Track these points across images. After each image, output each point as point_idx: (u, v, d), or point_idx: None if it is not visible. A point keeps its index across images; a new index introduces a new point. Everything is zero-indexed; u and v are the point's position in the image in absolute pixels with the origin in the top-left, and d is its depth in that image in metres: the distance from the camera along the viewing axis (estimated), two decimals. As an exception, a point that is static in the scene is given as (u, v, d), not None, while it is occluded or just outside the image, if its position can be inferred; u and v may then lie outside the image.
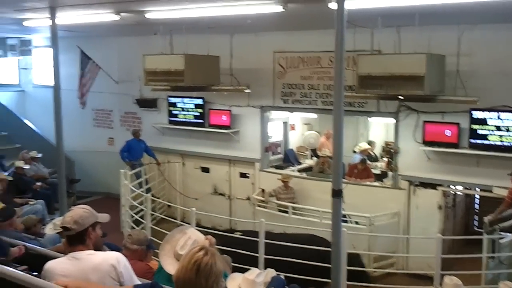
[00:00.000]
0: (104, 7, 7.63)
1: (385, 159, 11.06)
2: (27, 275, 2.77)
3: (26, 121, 14.21)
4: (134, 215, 9.93)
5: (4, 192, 8.73)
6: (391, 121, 9.61)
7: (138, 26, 9.34)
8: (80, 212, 3.08)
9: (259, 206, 10.01)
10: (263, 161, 10.95)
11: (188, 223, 8.30)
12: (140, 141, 11.81)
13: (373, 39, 7.99)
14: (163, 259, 3.14)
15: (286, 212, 9.41)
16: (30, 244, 4.97)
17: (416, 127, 8.86)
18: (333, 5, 4.88)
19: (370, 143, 11.51)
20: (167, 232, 3.37)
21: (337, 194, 4.76)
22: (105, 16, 8.17)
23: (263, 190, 10.16)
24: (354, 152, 10.93)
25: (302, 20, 8.40)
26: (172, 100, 11.95)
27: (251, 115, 10.96)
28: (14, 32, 12.31)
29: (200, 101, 11.55)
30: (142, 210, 9.85)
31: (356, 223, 8.99)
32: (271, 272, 3.81)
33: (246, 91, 10.43)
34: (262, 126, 10.97)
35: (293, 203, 9.54)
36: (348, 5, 4.66)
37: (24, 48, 13.92)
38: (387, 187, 9.55)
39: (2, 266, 2.90)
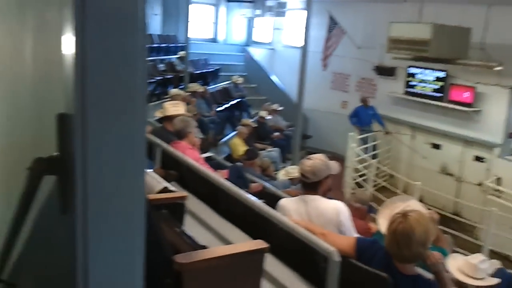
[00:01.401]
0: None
1: None
2: (268, 207, 3.21)
3: (273, 77, 15.72)
4: (357, 177, 10.23)
5: (248, 136, 9.91)
6: None
7: (389, -8, 9.25)
8: (318, 165, 3.28)
9: (491, 194, 9.18)
10: (505, 147, 9.87)
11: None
12: (368, 108, 11.86)
13: None
14: (381, 222, 3.23)
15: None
16: (266, 184, 5.66)
17: None
18: None
19: None
20: (386, 200, 3.44)
21: None
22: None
23: (498, 179, 9.23)
24: None
25: None
26: (412, 70, 11.60)
27: (498, 95, 9.92)
28: (273, -7, 13.50)
29: (442, 74, 10.94)
30: (364, 174, 10.06)
31: None
32: (496, 263, 3.58)
33: (497, 68, 9.43)
34: (509, 109, 9.84)
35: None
36: None
37: (279, 9, 15.16)
38: None
39: (250, 196, 3.42)
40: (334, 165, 3.45)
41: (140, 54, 1.05)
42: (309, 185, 3.31)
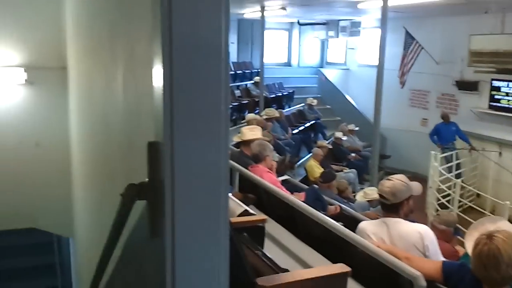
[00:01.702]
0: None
1: None
2: (348, 230, 3.15)
3: (348, 97, 15.55)
4: (440, 198, 9.76)
5: (323, 158, 9.81)
6: None
7: (466, 5, 8.90)
8: (399, 186, 3.16)
9: None
10: None
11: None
12: (449, 124, 11.29)
13: None
14: (468, 244, 3.06)
15: None
16: (344, 206, 5.56)
17: None
18: None
19: None
20: (473, 222, 3.25)
21: None
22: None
23: None
24: None
25: None
26: (497, 83, 10.98)
27: None
28: (347, 14, 13.41)
29: (529, 87, 10.28)
30: (449, 195, 9.58)
31: None
32: None
33: None
34: None
35: None
36: None
37: (353, 29, 15.03)
38: None
39: (329, 219, 3.38)
40: (415, 186, 3.33)
41: (224, 84, 1.10)
42: (389, 207, 3.21)
